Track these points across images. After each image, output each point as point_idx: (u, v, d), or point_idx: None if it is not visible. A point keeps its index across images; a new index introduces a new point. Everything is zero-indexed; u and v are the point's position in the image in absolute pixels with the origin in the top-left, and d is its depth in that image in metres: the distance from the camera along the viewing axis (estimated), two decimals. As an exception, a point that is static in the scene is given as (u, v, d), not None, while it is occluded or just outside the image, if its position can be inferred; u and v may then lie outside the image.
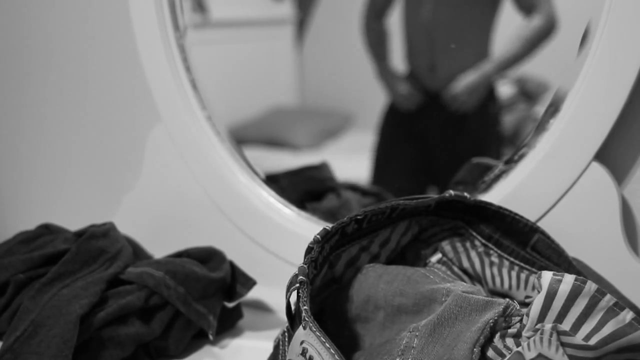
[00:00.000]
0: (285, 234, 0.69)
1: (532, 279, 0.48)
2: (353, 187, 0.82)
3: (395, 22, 1.00)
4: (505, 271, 0.49)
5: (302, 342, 0.37)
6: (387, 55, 1.01)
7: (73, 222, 0.69)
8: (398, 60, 0.99)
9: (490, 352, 0.39)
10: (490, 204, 0.51)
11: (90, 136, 0.86)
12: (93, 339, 0.53)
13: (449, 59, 0.93)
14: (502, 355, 0.39)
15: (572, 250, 0.52)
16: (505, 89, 0.93)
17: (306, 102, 1.10)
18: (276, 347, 0.48)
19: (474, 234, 0.53)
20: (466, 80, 0.89)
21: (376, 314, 0.45)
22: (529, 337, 0.38)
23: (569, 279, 0.37)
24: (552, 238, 0.50)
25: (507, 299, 0.42)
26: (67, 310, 0.51)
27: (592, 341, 0.37)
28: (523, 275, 0.49)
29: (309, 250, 0.44)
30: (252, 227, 0.71)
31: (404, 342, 0.41)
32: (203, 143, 0.72)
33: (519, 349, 0.37)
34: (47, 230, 0.65)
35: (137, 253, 0.66)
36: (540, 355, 0.37)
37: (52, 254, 0.59)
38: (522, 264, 0.51)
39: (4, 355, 0.50)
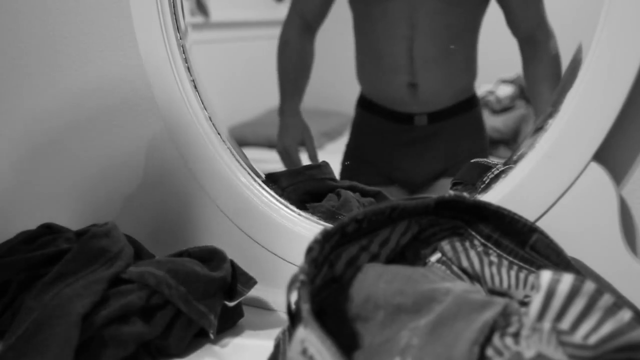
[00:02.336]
0: (285, 234, 0.69)
1: (531, 278, 0.48)
2: (353, 187, 0.81)
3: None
4: (504, 270, 0.49)
5: (302, 341, 0.37)
6: (303, 89, 0.86)
7: (74, 222, 0.69)
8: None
9: (489, 351, 0.39)
10: (489, 204, 0.51)
11: (92, 136, 0.86)
12: (94, 338, 0.53)
13: (433, 75, 0.79)
14: (501, 355, 0.39)
15: (571, 250, 0.52)
16: (505, 89, 0.93)
17: (306, 103, 1.10)
18: (277, 346, 0.48)
19: (473, 233, 0.53)
20: None
21: (376, 313, 0.46)
22: (528, 337, 0.38)
23: (567, 279, 0.37)
24: (551, 238, 0.50)
25: (506, 298, 0.42)
26: (69, 310, 0.51)
27: (591, 340, 0.37)
28: (522, 275, 0.49)
29: (309, 249, 0.44)
30: (252, 227, 0.71)
31: (403, 341, 0.41)
32: (203, 143, 0.72)
33: (518, 348, 0.38)
34: (48, 230, 0.65)
35: (138, 252, 0.66)
36: (539, 354, 0.37)
37: (54, 253, 0.59)
38: (521, 264, 0.51)
39: (6, 354, 0.50)
